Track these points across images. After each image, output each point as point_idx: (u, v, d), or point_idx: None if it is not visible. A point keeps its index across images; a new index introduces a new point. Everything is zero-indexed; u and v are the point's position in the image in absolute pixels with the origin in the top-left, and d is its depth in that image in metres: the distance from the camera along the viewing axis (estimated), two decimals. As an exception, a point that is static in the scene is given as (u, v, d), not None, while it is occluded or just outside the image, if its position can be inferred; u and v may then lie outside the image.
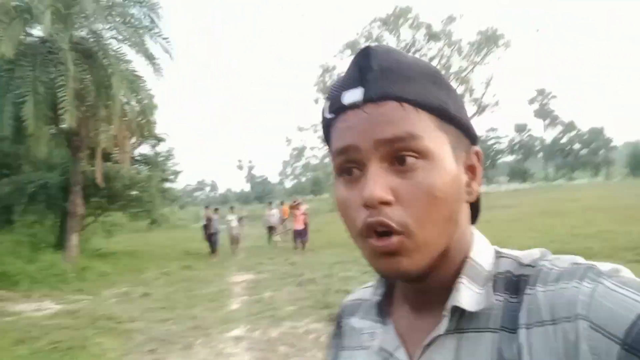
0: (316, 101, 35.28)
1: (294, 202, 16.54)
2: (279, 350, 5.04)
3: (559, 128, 74.00)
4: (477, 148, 0.57)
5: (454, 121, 0.54)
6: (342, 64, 33.75)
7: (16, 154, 12.50)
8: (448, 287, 0.53)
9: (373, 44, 0.55)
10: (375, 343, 0.59)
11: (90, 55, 9.96)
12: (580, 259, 0.50)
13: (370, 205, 0.48)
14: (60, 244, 11.93)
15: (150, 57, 10.88)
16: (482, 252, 0.56)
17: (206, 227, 14.04)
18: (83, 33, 10.90)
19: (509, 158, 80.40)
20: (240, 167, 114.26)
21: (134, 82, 10.75)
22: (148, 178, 13.80)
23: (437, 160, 0.50)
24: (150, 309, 7.63)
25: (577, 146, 72.11)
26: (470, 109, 33.53)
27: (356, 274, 9.17)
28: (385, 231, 0.49)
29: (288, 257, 12.83)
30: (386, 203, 0.48)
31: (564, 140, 73.04)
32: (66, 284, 10.01)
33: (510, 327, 0.49)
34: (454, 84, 32.57)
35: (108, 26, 10.80)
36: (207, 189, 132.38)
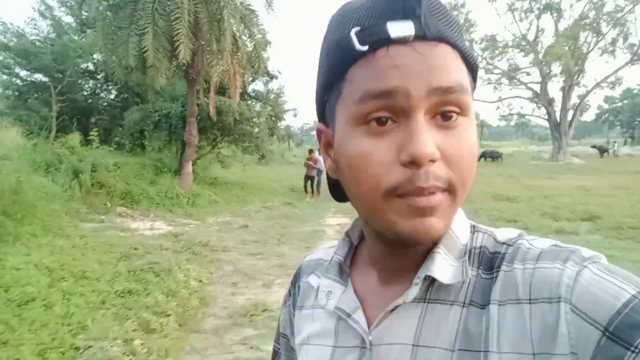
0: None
1: None
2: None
3: None
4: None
5: (475, 82, 0.51)
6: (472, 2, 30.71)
7: (145, 84, 13.53)
8: (424, 255, 0.52)
9: None
10: (331, 302, 0.57)
11: (205, -12, 10.08)
12: (560, 243, 0.49)
13: (420, 163, 0.43)
14: (180, 171, 12.95)
15: (263, -9, 10.72)
16: (460, 224, 0.54)
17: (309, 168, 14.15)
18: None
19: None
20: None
21: (247, 17, 10.74)
22: (257, 114, 14.16)
23: (472, 118, 0.48)
24: (245, 240, 7.94)
25: None
26: (622, 56, 28.69)
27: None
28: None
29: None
30: (432, 161, 0.44)
31: None
32: (179, 208, 10.90)
33: (481, 302, 0.48)
34: (604, 27, 27.88)
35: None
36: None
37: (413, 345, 0.49)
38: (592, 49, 28.81)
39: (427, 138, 0.43)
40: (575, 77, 29.62)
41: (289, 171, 24.38)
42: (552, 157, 30.04)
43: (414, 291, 0.49)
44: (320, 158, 12.33)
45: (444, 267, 0.50)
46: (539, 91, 30.92)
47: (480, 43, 30.29)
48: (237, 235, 8.48)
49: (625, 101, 67.89)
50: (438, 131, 0.45)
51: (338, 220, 10.45)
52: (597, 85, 30.62)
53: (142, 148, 16.26)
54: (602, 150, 33.95)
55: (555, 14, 29.15)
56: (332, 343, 0.57)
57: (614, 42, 28.32)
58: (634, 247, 7.33)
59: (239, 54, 11.29)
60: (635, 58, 28.19)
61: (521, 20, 30.11)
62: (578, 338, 0.40)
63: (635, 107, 66.09)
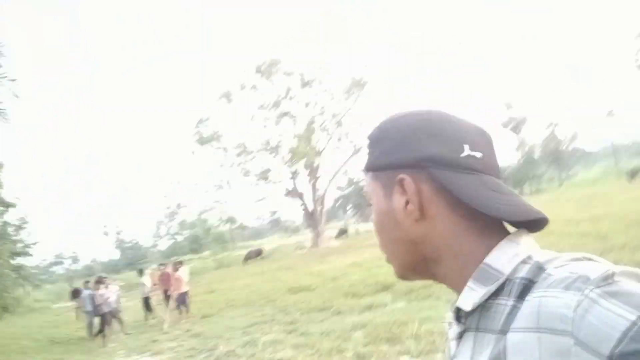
0: (193, 153, 33.29)
1: (160, 265, 14.89)
2: None
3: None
4: (400, 176, 0.62)
5: (381, 167, 0.66)
6: (217, 115, 32.80)
7: None
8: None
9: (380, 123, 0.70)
10: (449, 332, 0.66)
11: None
12: (580, 270, 0.48)
13: None
14: None
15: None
16: (500, 257, 0.57)
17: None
18: None
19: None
20: (106, 234, 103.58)
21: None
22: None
23: (374, 204, 0.67)
24: None
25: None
26: (348, 150, 34.67)
27: (281, 335, 7.83)
28: None
29: (189, 328, 10.89)
30: None
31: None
32: None
33: (506, 329, 0.52)
34: (332, 127, 33.43)
35: None
36: (68, 262, 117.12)
37: None
38: (325, 147, 33.87)
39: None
40: (315, 172, 33.98)
41: (36, 321, 19.49)
42: (313, 244, 32.82)
43: (451, 319, 0.62)
44: (89, 292, 10.15)
45: (469, 297, 0.57)
46: (290, 188, 34.15)
47: (235, 149, 32.22)
48: None
49: (351, 188, 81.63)
50: None
51: (138, 363, 8.43)
52: (333, 177, 35.73)
53: None
54: (343, 232, 39.08)
55: (291, 119, 33.44)
56: None
57: (339, 139, 34.03)
58: (435, 304, 7.98)
59: (-39, 180, 8.62)
60: (356, 150, 34.23)
61: (265, 127, 33.42)
62: None
63: (358, 191, 79.98)
